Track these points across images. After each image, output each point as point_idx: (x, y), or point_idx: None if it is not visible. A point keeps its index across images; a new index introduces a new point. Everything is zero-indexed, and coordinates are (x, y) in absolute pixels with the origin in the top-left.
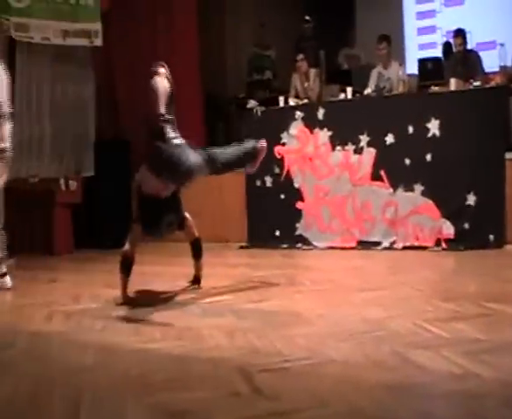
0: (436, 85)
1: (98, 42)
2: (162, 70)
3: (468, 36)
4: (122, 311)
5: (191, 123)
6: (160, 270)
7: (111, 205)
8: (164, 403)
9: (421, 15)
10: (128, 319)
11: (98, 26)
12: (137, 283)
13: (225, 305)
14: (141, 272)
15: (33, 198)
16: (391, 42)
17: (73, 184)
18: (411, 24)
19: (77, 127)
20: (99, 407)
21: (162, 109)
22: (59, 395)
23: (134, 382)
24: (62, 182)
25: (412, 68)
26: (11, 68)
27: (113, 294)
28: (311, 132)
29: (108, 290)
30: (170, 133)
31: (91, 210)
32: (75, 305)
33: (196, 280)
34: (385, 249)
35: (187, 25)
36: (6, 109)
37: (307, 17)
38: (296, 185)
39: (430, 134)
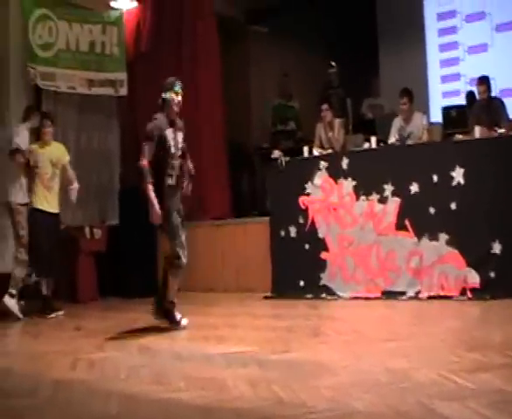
0: (460, 133)
1: (123, 91)
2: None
3: (492, 82)
4: (146, 359)
5: (216, 172)
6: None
7: (135, 254)
8: None
9: (445, 63)
10: (152, 368)
11: (123, 76)
12: (162, 332)
13: (250, 355)
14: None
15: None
16: (413, 97)
17: (98, 233)
18: (434, 71)
19: (102, 176)
20: None
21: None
22: None
23: None
24: (87, 230)
25: (436, 116)
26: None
27: (137, 342)
28: (335, 182)
29: (132, 338)
30: None
31: (115, 259)
32: (99, 353)
33: None
34: (410, 299)
35: (212, 76)
36: None
37: (332, 63)
38: (320, 235)
39: (455, 183)
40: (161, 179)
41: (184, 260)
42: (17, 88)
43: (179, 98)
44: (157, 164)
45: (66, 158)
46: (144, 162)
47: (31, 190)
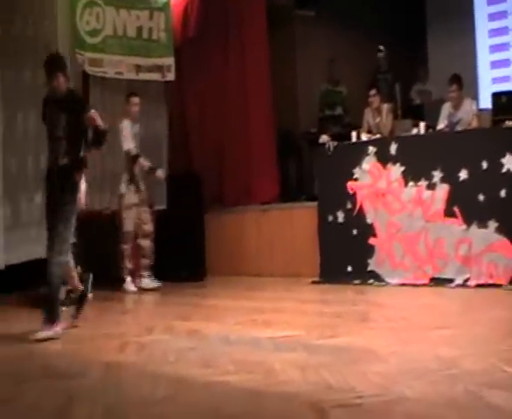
0: (511, 120)
1: (170, 77)
2: None
3: None
4: (195, 343)
5: (264, 158)
6: (233, 304)
7: (182, 239)
8: None
9: (495, 48)
10: (200, 352)
11: (171, 61)
12: (211, 316)
13: (298, 340)
14: (214, 306)
15: (106, 229)
16: (463, 84)
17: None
18: (484, 57)
19: (150, 162)
20: None
21: None
22: None
23: (206, 415)
24: None
25: (486, 102)
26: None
27: (185, 326)
28: (384, 167)
29: (181, 322)
30: None
31: (162, 243)
32: (148, 336)
33: None
34: (458, 286)
35: (259, 61)
36: None
37: (381, 47)
38: (369, 221)
39: (504, 170)
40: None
41: None
42: None
43: None
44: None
45: None
46: None
47: None
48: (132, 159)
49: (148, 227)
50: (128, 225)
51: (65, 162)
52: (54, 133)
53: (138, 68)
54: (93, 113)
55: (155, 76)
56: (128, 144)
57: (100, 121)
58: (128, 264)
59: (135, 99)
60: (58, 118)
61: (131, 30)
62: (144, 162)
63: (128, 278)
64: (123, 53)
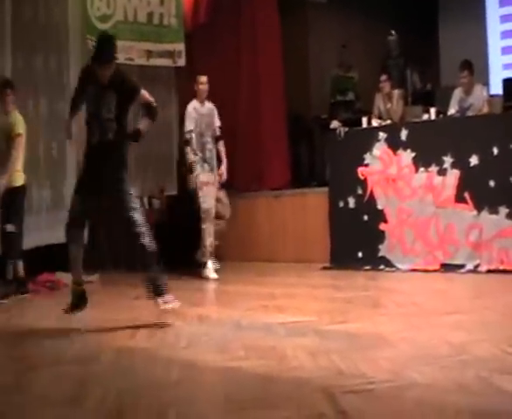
0: None
1: (181, 62)
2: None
3: None
4: (207, 329)
5: (275, 143)
6: (244, 289)
7: (193, 225)
8: None
9: (505, 34)
10: (212, 337)
11: (181, 47)
12: (222, 301)
13: (309, 325)
14: (226, 291)
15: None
16: (474, 69)
17: (157, 203)
18: (495, 43)
19: (160, 148)
20: None
21: None
22: (144, 410)
23: (218, 400)
24: (145, 200)
25: (497, 88)
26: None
27: (197, 312)
28: (394, 153)
29: (193, 308)
30: None
31: (173, 229)
32: (160, 321)
33: None
34: (469, 272)
35: (271, 47)
36: None
37: (392, 31)
38: (379, 206)
39: None
40: None
41: None
42: (77, 60)
43: None
44: None
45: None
46: None
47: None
48: (183, 142)
49: (225, 209)
50: (207, 203)
51: (114, 138)
52: (103, 115)
53: (149, 54)
54: (144, 92)
55: (165, 62)
56: (186, 125)
57: (150, 98)
58: (210, 247)
59: (202, 78)
60: (109, 101)
61: (142, 16)
62: (190, 155)
63: (209, 264)
64: (134, 39)
